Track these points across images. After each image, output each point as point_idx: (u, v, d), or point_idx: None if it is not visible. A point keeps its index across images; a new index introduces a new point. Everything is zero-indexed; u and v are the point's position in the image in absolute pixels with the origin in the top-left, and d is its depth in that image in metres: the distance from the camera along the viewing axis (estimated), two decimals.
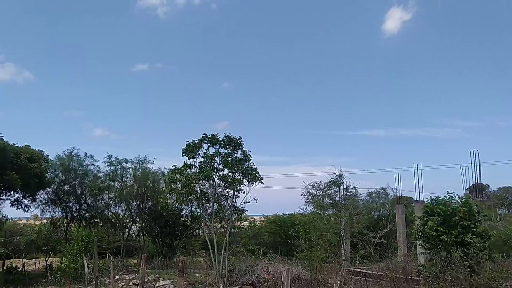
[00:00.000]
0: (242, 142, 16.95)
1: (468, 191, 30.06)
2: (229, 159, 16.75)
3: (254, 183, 16.70)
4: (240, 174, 16.73)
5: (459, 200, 12.90)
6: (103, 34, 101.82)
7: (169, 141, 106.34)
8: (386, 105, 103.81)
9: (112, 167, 29.24)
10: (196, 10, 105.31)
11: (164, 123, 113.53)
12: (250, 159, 16.98)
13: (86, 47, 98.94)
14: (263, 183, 16.93)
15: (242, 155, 16.93)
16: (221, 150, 16.94)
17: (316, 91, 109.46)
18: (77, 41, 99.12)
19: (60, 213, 29.63)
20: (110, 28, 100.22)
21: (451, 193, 13.05)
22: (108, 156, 29.16)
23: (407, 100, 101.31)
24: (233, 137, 16.93)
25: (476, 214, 12.37)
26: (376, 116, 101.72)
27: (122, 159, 29.52)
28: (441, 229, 12.25)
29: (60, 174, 28.69)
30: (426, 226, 12.59)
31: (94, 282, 15.63)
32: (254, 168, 16.87)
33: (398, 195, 27.88)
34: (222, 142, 16.86)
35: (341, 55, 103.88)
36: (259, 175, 16.82)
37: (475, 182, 26.30)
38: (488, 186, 44.80)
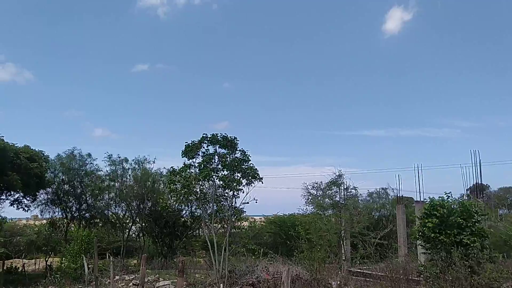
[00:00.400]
0: (238, 141, 16.89)
1: (468, 192, 30.04)
2: (228, 159, 16.69)
3: (253, 183, 16.66)
4: (240, 175, 16.69)
5: (457, 201, 12.94)
6: (103, 34, 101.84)
7: (169, 141, 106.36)
8: (386, 105, 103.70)
9: (112, 167, 29.28)
10: (196, 10, 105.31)
11: (164, 123, 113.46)
12: (249, 159, 16.94)
13: (86, 47, 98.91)
14: (262, 182, 16.89)
15: (241, 155, 16.87)
16: (220, 150, 16.88)
17: (316, 91, 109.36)
18: (77, 41, 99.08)
19: (59, 213, 29.65)
20: (110, 28, 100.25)
21: (448, 193, 13.11)
22: (108, 155, 29.21)
23: (407, 100, 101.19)
24: (229, 137, 16.88)
25: (475, 214, 12.36)
26: (376, 116, 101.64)
27: (123, 159, 29.58)
28: (438, 230, 12.28)
29: (61, 174, 28.71)
30: (425, 228, 12.63)
31: (94, 282, 15.61)
32: (254, 168, 16.83)
33: (398, 195, 27.81)
34: (221, 142, 16.81)
35: (341, 55, 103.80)
36: (259, 175, 16.78)
37: (476, 182, 26.22)
38: (489, 186, 44.83)
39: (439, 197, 13.12)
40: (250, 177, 16.62)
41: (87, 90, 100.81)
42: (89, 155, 29.49)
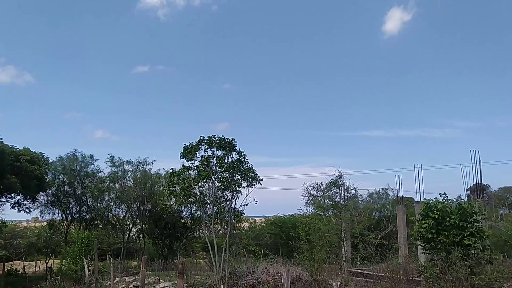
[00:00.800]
0: (236, 143, 16.84)
1: (469, 192, 30.04)
2: (225, 161, 16.64)
3: (253, 185, 16.61)
4: (239, 176, 16.64)
5: (454, 202, 12.91)
6: (103, 35, 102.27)
7: (170, 142, 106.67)
8: (386, 105, 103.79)
9: (114, 168, 29.31)
10: (196, 11, 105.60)
11: (165, 125, 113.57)
12: (247, 160, 16.87)
13: (86, 48, 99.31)
14: (261, 184, 16.83)
15: (238, 156, 16.81)
16: (217, 152, 16.81)
17: (316, 91, 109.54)
18: (77, 42, 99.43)
19: (59, 214, 29.65)
20: (110, 29, 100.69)
21: (443, 194, 13.09)
22: (110, 157, 29.24)
23: (407, 100, 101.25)
24: (226, 138, 16.82)
25: (473, 214, 12.34)
26: (376, 116, 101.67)
27: (124, 161, 29.64)
28: (435, 231, 12.29)
29: (61, 176, 28.73)
30: (422, 229, 12.64)
31: (94, 284, 15.61)
32: (253, 169, 16.79)
33: (398, 195, 27.81)
34: (218, 144, 16.74)
35: (341, 55, 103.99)
36: (258, 176, 16.74)
37: (476, 182, 26.19)
38: (489, 186, 44.79)
39: (434, 198, 13.10)
40: (249, 179, 16.58)
41: (87, 92, 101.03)
42: (91, 156, 29.59)
